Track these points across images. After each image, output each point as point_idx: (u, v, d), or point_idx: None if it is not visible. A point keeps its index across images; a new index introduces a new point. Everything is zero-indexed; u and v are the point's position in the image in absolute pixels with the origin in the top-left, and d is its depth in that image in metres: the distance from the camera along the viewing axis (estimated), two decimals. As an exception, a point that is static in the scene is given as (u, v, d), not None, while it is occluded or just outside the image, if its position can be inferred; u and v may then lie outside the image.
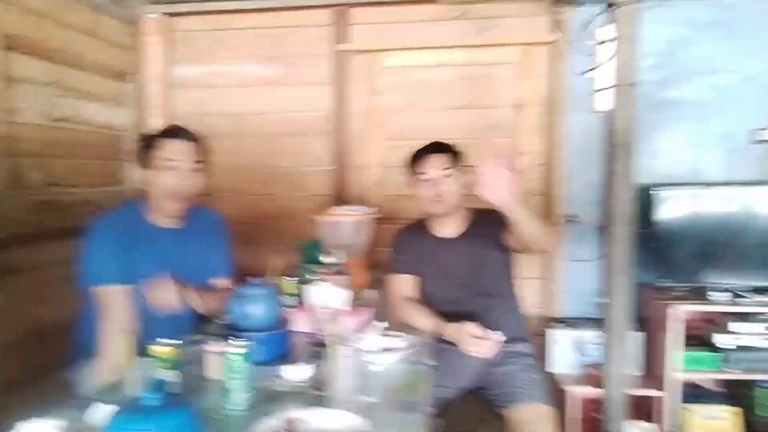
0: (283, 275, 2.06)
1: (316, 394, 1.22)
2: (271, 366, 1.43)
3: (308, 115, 3.01)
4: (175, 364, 1.20)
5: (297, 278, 1.96)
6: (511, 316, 2.02)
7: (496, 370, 1.90)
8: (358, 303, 1.98)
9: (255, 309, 1.51)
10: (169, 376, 1.19)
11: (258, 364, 1.44)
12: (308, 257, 2.66)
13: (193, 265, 1.95)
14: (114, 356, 1.60)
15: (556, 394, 2.52)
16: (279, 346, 1.53)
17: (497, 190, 1.52)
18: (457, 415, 1.83)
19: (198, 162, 1.87)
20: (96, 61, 2.70)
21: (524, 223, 1.62)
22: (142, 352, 1.78)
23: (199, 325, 1.92)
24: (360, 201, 3.00)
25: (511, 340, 1.97)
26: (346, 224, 2.46)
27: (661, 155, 2.75)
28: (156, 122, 3.00)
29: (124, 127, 2.95)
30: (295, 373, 1.28)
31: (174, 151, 1.82)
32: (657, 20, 2.50)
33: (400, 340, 1.52)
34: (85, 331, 1.80)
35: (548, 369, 2.67)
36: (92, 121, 2.70)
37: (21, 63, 2.23)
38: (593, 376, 2.54)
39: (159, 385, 0.93)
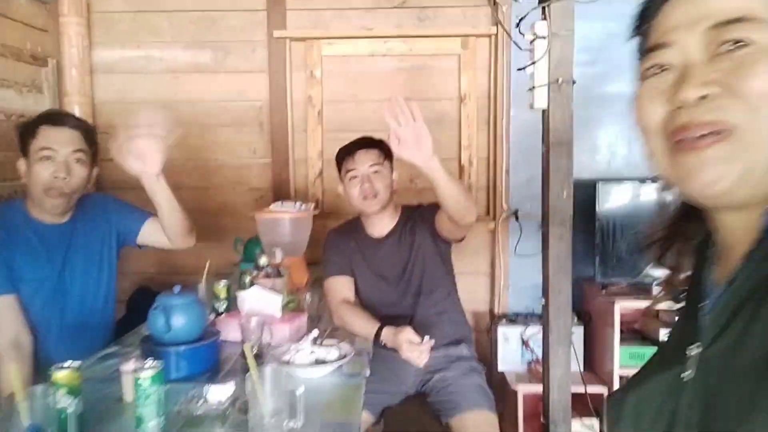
0: (218, 276, 1.95)
1: (239, 418, 1.12)
2: (195, 383, 1.32)
3: (243, 104, 2.85)
4: (76, 390, 1.06)
5: (227, 281, 1.83)
6: (449, 316, 1.97)
7: (436, 375, 1.84)
8: (293, 306, 1.88)
9: (177, 320, 1.37)
10: (70, 403, 1.05)
11: (182, 380, 1.33)
12: (248, 256, 2.54)
13: (86, 262, 1.79)
14: (4, 378, 1.45)
15: (503, 393, 2.51)
16: (205, 360, 1.41)
17: (413, 146, 1.44)
18: (398, 423, 1.77)
19: (80, 151, 1.68)
20: (6, 44, 2.45)
21: (445, 182, 1.51)
22: (43, 368, 1.63)
23: (116, 336, 1.78)
24: (300, 195, 2.89)
25: (450, 342, 1.92)
26: (284, 221, 2.35)
27: (600, 150, 2.76)
28: (77, 110, 2.77)
29: (40, 116, 2.71)
30: (218, 393, 1.17)
31: (52, 139, 1.64)
32: (591, 16, 2.49)
33: (333, 350, 1.44)
34: None
35: (495, 367, 2.65)
36: (4, 109, 2.46)
37: None
38: (539, 372, 2.54)
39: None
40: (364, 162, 1.88)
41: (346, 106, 2.83)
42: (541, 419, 1.68)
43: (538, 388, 2.49)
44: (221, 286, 1.80)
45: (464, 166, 2.81)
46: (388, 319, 1.76)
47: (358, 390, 1.35)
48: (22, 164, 1.66)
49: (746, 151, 0.51)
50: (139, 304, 2.22)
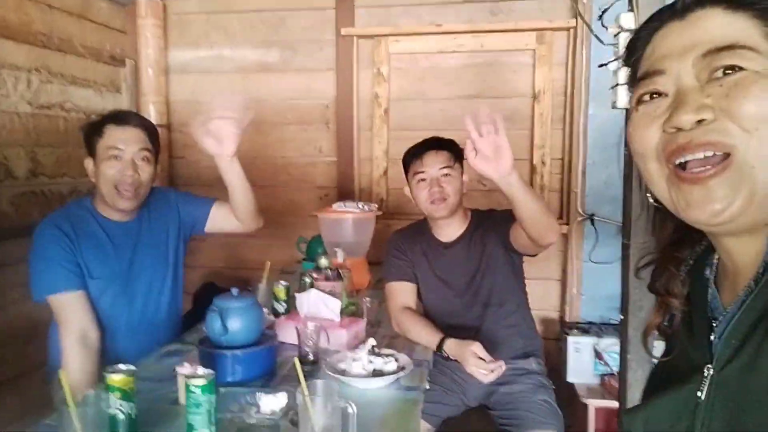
0: (279, 277, 1.94)
1: (291, 430, 1.07)
2: (250, 387, 1.29)
3: (310, 102, 2.84)
4: (130, 394, 1.05)
5: (286, 283, 1.81)
6: (518, 329, 1.86)
7: (502, 389, 1.74)
8: (353, 309, 1.84)
9: (233, 323, 1.35)
10: (124, 407, 1.04)
11: (237, 384, 1.31)
12: (310, 254, 2.53)
13: (153, 259, 1.80)
14: (74, 372, 1.48)
15: (571, 405, 2.36)
16: (261, 365, 1.39)
17: (491, 160, 1.31)
18: (459, 437, 1.69)
19: (145, 150, 1.69)
20: (86, 45, 2.56)
21: (524, 198, 1.39)
22: (111, 362, 1.66)
23: (181, 333, 1.79)
24: (365, 194, 2.85)
25: (518, 355, 1.81)
26: (346, 221, 2.31)
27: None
28: (151, 109, 2.86)
29: (119, 115, 2.82)
30: (270, 402, 1.14)
31: (118, 138, 1.65)
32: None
33: (391, 361, 1.37)
34: (55, 338, 1.67)
35: (563, 376, 2.50)
36: (83, 107, 2.57)
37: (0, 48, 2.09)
38: (614, 387, 2.36)
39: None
40: (434, 164, 1.78)
41: (412, 104, 2.76)
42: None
43: (611, 404, 2.33)
44: (281, 288, 1.79)
45: (536, 166, 2.67)
46: (451, 329, 1.68)
47: (416, 404, 1.28)
48: (89, 163, 1.70)
49: (748, 177, 0.52)
50: (203, 299, 2.25)
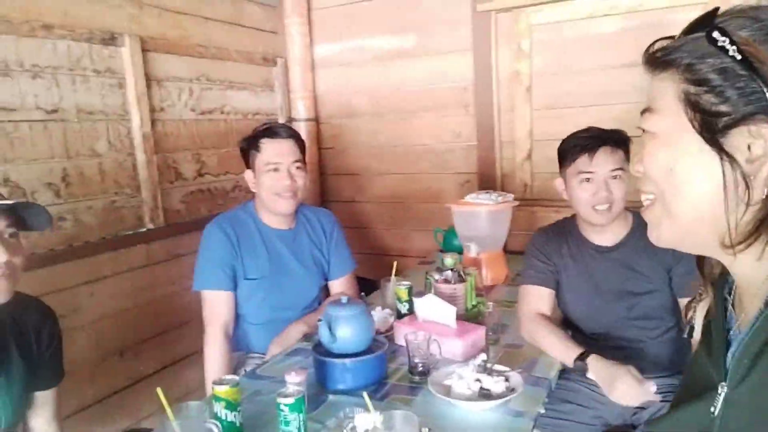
0: (417, 267, 1.92)
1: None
2: (359, 395, 1.30)
3: (447, 86, 2.74)
4: (234, 404, 1.12)
5: (409, 283, 1.79)
6: (672, 344, 1.60)
7: (651, 407, 1.52)
8: (480, 309, 1.75)
9: (342, 331, 1.37)
10: (228, 416, 1.12)
11: (346, 392, 1.33)
12: (447, 245, 2.47)
13: (304, 267, 1.92)
14: (213, 360, 1.66)
15: None
16: (369, 374, 1.38)
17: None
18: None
19: (298, 160, 1.83)
20: (241, 50, 2.76)
21: None
22: (243, 357, 1.81)
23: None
24: (507, 179, 2.69)
25: (672, 374, 1.58)
26: (480, 214, 2.20)
27: None
28: (300, 104, 3.02)
29: (274, 111, 3.02)
30: (365, 421, 1.13)
31: (274, 152, 1.80)
32: None
33: (500, 381, 1.27)
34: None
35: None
36: (240, 109, 2.80)
37: (162, 63, 2.35)
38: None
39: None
40: (606, 164, 1.56)
41: (558, 79, 2.50)
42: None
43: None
44: (403, 288, 1.76)
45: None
46: (593, 339, 1.50)
47: (525, 432, 1.17)
48: (249, 175, 1.87)
49: (665, 212, 0.64)
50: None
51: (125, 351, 2.22)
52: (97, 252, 2.10)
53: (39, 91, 1.89)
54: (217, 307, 1.79)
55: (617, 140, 1.58)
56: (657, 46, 0.63)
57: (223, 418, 1.12)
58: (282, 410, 1.06)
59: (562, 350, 1.49)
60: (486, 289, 2.00)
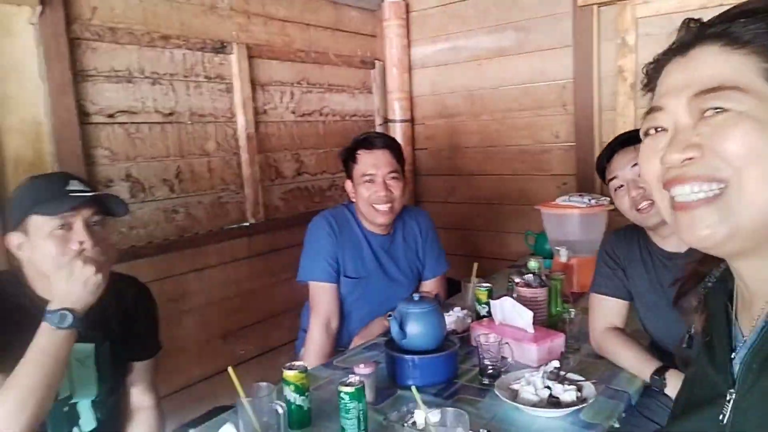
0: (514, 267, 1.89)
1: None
2: (427, 392, 1.32)
3: (545, 85, 2.66)
4: (302, 388, 1.19)
5: (489, 285, 1.76)
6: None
7: None
8: (564, 317, 1.69)
9: (412, 328, 1.39)
10: (296, 400, 1.18)
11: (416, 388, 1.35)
12: (538, 249, 2.40)
13: (400, 271, 1.97)
14: (315, 348, 1.80)
15: None
16: (438, 372, 1.39)
17: None
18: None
19: (394, 171, 1.86)
20: (340, 54, 2.88)
21: None
22: (342, 345, 1.88)
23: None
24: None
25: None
26: (571, 218, 2.12)
27: None
28: (396, 105, 3.07)
29: (371, 113, 3.11)
30: (423, 418, 1.14)
31: (370, 163, 1.85)
32: None
33: (571, 389, 1.22)
34: (305, 316, 1.99)
35: None
36: (338, 111, 2.91)
37: (266, 68, 2.51)
38: None
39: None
40: (625, 165, 1.47)
41: (666, 75, 2.33)
42: None
43: None
44: (482, 290, 1.75)
45: None
46: (669, 355, 1.39)
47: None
48: (349, 185, 1.95)
49: (731, 211, 0.56)
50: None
51: (228, 335, 2.41)
52: (204, 243, 2.30)
53: (157, 95, 2.11)
54: (320, 296, 1.87)
55: (628, 141, 1.50)
56: (730, 18, 0.57)
57: (292, 401, 1.19)
58: (342, 398, 1.11)
59: (637, 363, 1.39)
60: (574, 296, 1.91)
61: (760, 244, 0.57)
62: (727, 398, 0.62)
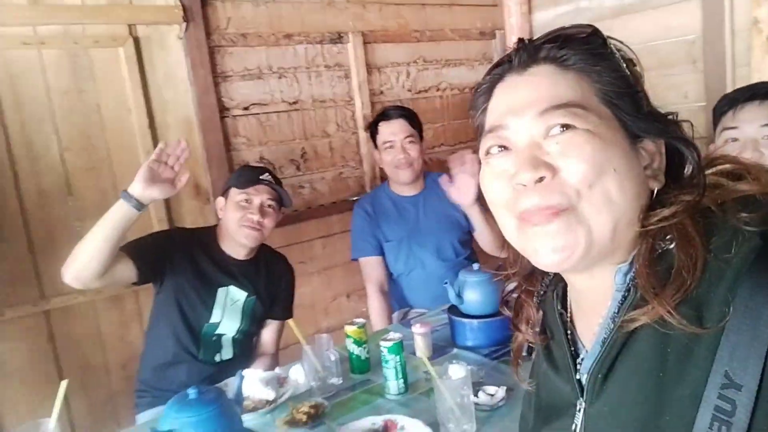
0: None
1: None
2: (480, 353, 1.46)
3: (671, 42, 2.45)
4: (360, 341, 1.41)
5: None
6: None
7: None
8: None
9: (468, 294, 1.53)
10: (355, 350, 1.42)
11: (470, 349, 1.50)
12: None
13: (435, 223, 2.15)
14: (375, 311, 2.09)
15: None
16: (491, 335, 1.52)
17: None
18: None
19: (410, 136, 2.09)
20: (457, 29, 2.96)
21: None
22: (408, 312, 2.10)
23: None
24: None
25: None
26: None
27: None
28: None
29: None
30: (454, 371, 1.29)
31: (388, 132, 2.10)
32: None
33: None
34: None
35: None
36: (457, 84, 3.01)
37: (382, 51, 2.71)
38: None
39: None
40: (752, 120, 1.38)
41: (812, 21, 2.02)
42: None
43: None
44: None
45: None
46: None
47: None
48: (376, 154, 2.21)
49: (581, 224, 0.55)
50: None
51: (351, 294, 2.73)
52: (328, 213, 2.63)
53: (284, 87, 2.45)
54: (369, 269, 2.16)
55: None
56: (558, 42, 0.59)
57: (352, 351, 1.42)
58: (382, 351, 1.31)
59: None
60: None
61: (597, 262, 0.57)
62: (577, 407, 0.62)
